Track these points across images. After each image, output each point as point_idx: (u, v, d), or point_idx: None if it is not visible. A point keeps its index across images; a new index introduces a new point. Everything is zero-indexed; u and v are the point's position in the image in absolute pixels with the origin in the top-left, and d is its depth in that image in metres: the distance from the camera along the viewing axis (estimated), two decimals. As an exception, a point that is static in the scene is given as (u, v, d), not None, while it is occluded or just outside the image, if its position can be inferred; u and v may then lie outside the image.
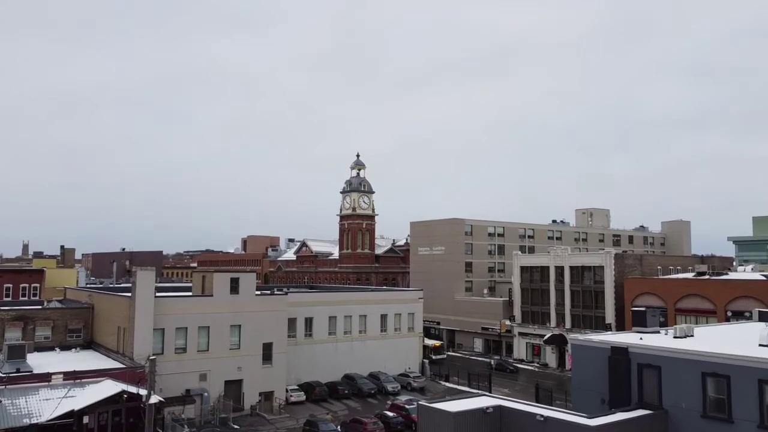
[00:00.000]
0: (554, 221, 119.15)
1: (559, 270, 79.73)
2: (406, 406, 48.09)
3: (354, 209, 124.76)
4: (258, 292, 54.87)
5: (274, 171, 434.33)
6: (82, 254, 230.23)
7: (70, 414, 35.79)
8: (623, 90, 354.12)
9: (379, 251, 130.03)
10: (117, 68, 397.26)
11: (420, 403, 29.31)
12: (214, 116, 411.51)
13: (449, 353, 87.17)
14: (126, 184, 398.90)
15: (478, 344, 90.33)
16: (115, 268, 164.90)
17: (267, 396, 51.42)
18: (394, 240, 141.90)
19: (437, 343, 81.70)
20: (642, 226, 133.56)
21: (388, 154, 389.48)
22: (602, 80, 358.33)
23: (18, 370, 40.41)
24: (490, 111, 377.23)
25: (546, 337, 78.19)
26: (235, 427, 45.66)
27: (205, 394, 47.10)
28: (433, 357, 76.32)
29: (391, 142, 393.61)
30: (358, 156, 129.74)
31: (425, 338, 78.01)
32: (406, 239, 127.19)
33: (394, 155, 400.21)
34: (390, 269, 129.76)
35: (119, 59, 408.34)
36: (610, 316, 73.07)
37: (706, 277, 70.00)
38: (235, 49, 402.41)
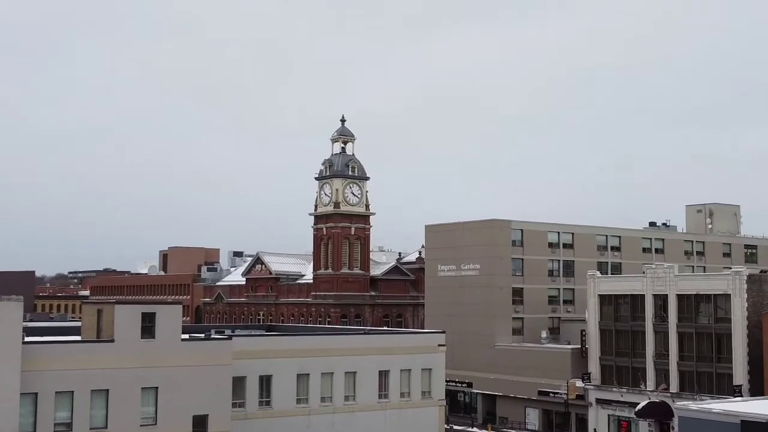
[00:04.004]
0: (653, 224, 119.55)
1: (661, 300, 79.76)
2: None
3: (337, 205, 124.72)
4: (185, 336, 54.66)
5: (214, 146, 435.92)
6: None
7: None
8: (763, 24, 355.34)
9: (377, 271, 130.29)
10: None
11: None
12: (127, 62, 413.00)
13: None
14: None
15: (533, 417, 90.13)
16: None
17: (200, 500, 51.07)
18: (400, 254, 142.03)
19: None
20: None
21: (389, 122, 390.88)
22: (727, 7, 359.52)
23: None
24: (546, 56, 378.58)
25: (640, 407, 78.14)
26: None
27: (102, 496, 46.73)
28: None
29: (395, 104, 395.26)
30: (343, 122, 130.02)
31: None
32: (419, 253, 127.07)
33: (400, 124, 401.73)
34: (394, 299, 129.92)
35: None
36: (740, 373, 73.15)
37: None
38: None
